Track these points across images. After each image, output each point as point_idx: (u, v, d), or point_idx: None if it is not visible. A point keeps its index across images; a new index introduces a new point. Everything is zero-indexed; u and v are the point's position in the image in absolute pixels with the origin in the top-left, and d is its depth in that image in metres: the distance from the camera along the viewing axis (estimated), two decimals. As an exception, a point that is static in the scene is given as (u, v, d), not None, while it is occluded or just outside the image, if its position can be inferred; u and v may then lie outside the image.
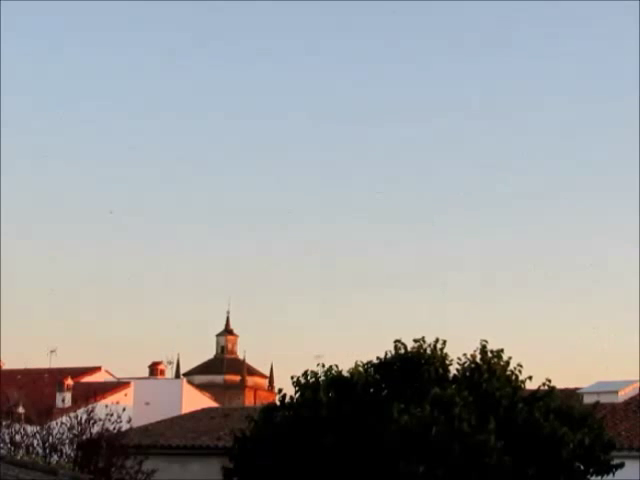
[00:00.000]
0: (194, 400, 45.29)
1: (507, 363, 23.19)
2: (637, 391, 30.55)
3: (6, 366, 47.24)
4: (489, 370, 22.79)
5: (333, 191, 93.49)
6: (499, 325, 76.69)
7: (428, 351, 23.12)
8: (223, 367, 75.96)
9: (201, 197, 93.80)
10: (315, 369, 23.50)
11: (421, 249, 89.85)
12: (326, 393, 22.73)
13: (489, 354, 23.16)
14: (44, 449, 26.66)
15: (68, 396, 39.95)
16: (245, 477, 23.25)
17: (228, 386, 73.74)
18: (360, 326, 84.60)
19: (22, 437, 26.90)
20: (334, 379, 23.17)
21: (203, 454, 29.51)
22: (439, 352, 23.22)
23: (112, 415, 27.29)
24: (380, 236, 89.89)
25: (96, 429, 26.94)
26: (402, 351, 23.24)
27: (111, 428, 27.11)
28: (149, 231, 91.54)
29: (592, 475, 22.43)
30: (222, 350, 78.31)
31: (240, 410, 35.22)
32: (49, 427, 27.25)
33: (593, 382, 31.46)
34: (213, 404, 46.37)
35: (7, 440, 26.82)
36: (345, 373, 23.22)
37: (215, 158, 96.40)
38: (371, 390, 22.72)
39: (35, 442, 26.80)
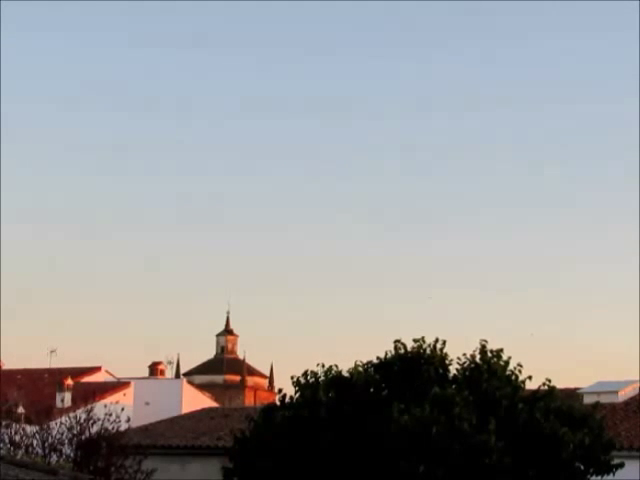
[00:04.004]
0: (194, 400, 45.28)
1: (507, 363, 23.17)
2: (637, 391, 30.54)
3: (6, 366, 47.19)
4: (489, 370, 22.78)
5: (333, 191, 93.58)
6: (499, 325, 76.69)
7: (428, 351, 23.12)
8: (223, 367, 75.97)
9: (201, 197, 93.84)
10: (315, 369, 23.54)
11: (421, 249, 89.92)
12: (326, 393, 22.73)
13: (489, 354, 23.14)
14: (44, 449, 26.65)
15: (68, 396, 39.89)
16: (245, 477, 23.24)
17: (228, 386, 73.76)
18: (360, 326, 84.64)
19: (22, 437, 26.88)
20: (334, 379, 23.17)
21: (203, 454, 29.50)
22: (439, 352, 23.21)
23: (111, 415, 27.28)
24: (380, 236, 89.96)
25: (95, 429, 26.94)
26: (402, 351, 23.23)
27: (110, 428, 27.11)
28: (149, 231, 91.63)
29: (592, 475, 22.43)
30: (222, 350, 78.34)
31: (240, 410, 35.22)
32: (49, 427, 27.24)
33: (593, 382, 31.45)
34: (213, 404, 46.37)
35: (7, 440, 26.81)
36: (345, 373, 23.21)
37: (215, 159, 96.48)
38: (371, 390, 22.71)
39: (35, 442, 26.78)
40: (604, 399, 27.54)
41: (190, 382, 54.65)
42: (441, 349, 23.28)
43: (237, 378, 75.49)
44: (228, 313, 78.70)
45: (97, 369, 48.96)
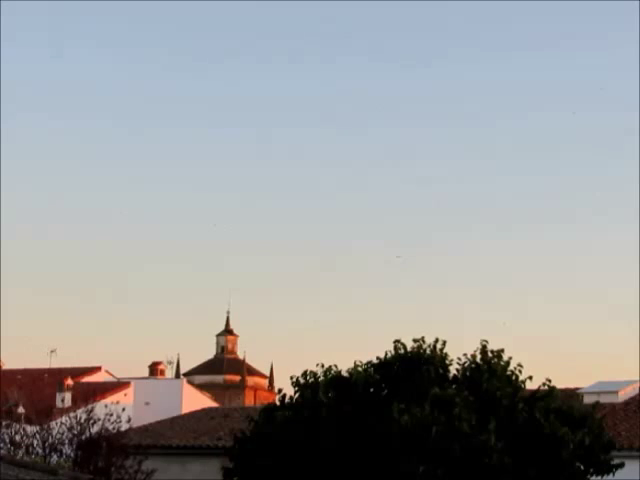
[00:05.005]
0: (194, 400, 45.31)
1: (507, 363, 23.17)
2: (637, 391, 30.56)
3: (6, 366, 47.24)
4: (489, 370, 22.78)
5: (333, 192, 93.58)
6: (499, 325, 76.63)
7: (428, 351, 23.12)
8: (223, 367, 76.04)
9: (201, 197, 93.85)
10: (315, 369, 23.55)
11: (420, 249, 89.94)
12: (326, 393, 22.73)
13: (489, 354, 23.15)
14: (44, 449, 26.69)
15: (68, 396, 39.91)
16: (245, 477, 23.25)
17: (228, 386, 73.81)
18: (360, 326, 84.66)
19: (22, 437, 26.92)
20: (334, 379, 23.17)
21: (203, 454, 29.52)
22: (439, 352, 23.22)
23: (112, 415, 27.31)
24: (380, 236, 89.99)
25: (96, 429, 26.97)
26: (402, 351, 23.23)
27: (111, 428, 27.13)
28: (149, 231, 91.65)
29: (592, 475, 22.44)
30: (222, 350, 78.41)
31: (240, 410, 35.23)
32: (49, 427, 27.27)
33: (593, 382, 31.48)
34: (213, 404, 46.38)
35: (7, 440, 26.84)
36: (345, 373, 23.22)
37: (215, 157, 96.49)
38: (371, 390, 22.71)
39: (35, 442, 26.82)
40: (604, 399, 27.54)
41: (190, 382, 54.69)
42: (441, 349, 23.28)
43: (237, 378, 75.55)
44: (228, 313, 78.89)
45: (97, 369, 49.01)
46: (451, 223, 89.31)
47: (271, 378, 78.19)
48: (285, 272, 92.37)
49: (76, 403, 33.04)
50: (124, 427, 28.19)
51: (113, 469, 26.35)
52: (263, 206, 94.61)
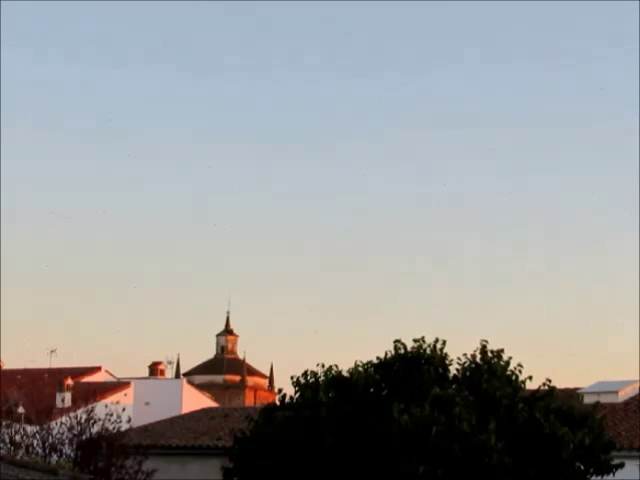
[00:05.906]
0: (194, 400, 45.30)
1: (507, 363, 23.16)
2: (637, 391, 30.54)
3: (6, 366, 47.24)
4: (489, 370, 22.78)
5: (333, 192, 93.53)
6: (499, 325, 76.66)
7: (428, 351, 23.12)
8: (223, 367, 76.03)
9: (201, 197, 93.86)
10: (315, 369, 23.56)
11: (421, 249, 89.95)
12: (326, 393, 22.73)
13: (489, 354, 23.15)
14: (44, 449, 26.66)
15: (68, 396, 39.91)
16: (245, 477, 23.25)
17: (228, 386, 73.82)
18: (360, 326, 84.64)
19: (22, 437, 26.89)
20: (334, 379, 23.17)
21: (203, 454, 29.52)
22: (439, 352, 23.21)
23: (112, 415, 27.30)
24: (380, 236, 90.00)
25: (96, 429, 26.95)
26: (402, 351, 23.23)
27: (111, 428, 27.12)
28: (149, 231, 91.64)
29: (592, 475, 22.43)
30: (222, 350, 78.41)
31: (240, 410, 35.21)
32: (49, 427, 27.24)
33: (593, 382, 31.46)
34: (213, 404, 46.39)
35: (7, 440, 26.82)
36: (345, 373, 23.22)
37: (215, 157, 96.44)
38: (371, 390, 22.71)
39: (35, 442, 26.79)
40: (604, 399, 27.52)
41: (190, 382, 54.68)
42: (441, 349, 23.27)
43: (237, 378, 75.55)
44: (228, 313, 78.91)
45: (97, 369, 48.99)
46: (451, 223, 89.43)
47: (271, 378, 78.18)
48: (285, 272, 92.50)
49: (76, 403, 33.03)
50: (124, 427, 28.17)
51: (113, 469, 26.33)
52: (263, 206, 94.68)
